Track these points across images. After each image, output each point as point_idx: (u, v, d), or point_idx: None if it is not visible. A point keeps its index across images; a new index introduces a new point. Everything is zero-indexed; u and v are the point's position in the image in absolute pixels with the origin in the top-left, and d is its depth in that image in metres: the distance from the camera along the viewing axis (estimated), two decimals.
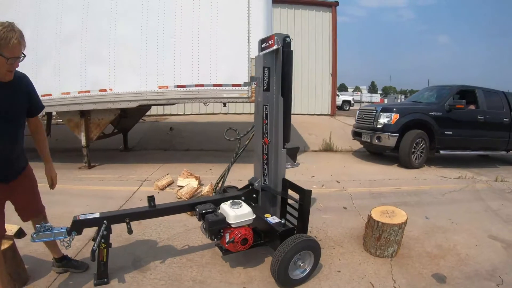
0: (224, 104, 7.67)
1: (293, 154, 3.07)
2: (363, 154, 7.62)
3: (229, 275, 2.71)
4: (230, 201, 2.67)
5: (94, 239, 2.58)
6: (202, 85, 5.49)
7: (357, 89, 64.75)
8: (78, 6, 5.72)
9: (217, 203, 2.73)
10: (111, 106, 5.84)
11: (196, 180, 4.89)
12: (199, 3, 5.42)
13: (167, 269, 2.83)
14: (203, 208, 2.60)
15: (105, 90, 5.76)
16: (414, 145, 6.29)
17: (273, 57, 2.74)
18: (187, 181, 4.91)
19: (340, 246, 3.16)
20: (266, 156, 2.92)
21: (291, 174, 5.75)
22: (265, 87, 2.76)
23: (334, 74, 12.00)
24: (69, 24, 5.79)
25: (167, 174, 5.51)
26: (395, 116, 6.39)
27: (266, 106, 2.81)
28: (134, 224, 3.54)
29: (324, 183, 5.18)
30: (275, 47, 2.66)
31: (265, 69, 2.73)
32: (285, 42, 2.72)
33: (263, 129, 2.85)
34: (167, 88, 5.58)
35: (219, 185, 3.53)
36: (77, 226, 2.55)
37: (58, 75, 5.85)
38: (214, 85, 5.51)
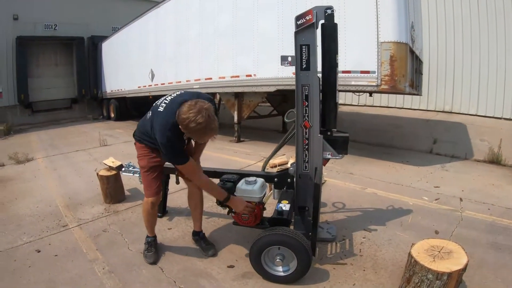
0: (370, 94, 7.11)
1: (341, 143, 2.68)
2: None
3: (237, 246, 2.87)
4: (252, 177, 2.69)
5: None
6: None
7: None
8: (228, 7, 6.88)
9: (244, 177, 2.81)
10: (254, 89, 6.66)
11: None
12: None
13: (204, 223, 3.18)
14: (225, 177, 2.77)
15: (250, 76, 6.66)
16: None
17: (312, 32, 2.48)
18: None
19: (374, 272, 2.53)
20: (307, 141, 2.68)
21: (410, 178, 4.95)
22: (303, 66, 2.54)
23: None
24: (223, 21, 7.04)
25: (283, 154, 5.77)
26: None
27: (306, 87, 2.59)
28: None
29: (441, 197, 4.11)
30: (313, 21, 2.42)
31: (303, 47, 2.50)
32: (326, 15, 2.42)
33: (303, 111, 2.64)
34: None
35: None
36: None
37: (216, 62, 7.24)
38: (343, 72, 5.25)
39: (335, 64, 2.56)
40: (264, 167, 3.12)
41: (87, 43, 13.75)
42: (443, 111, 10.65)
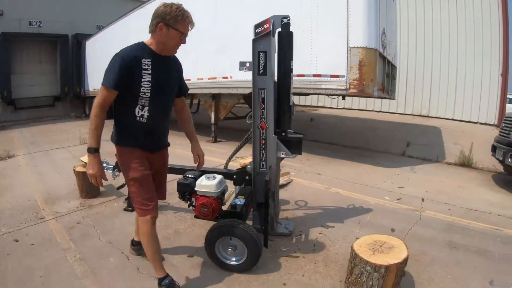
0: (343, 98, 7.36)
1: (295, 144, 2.87)
2: (509, 178, 5.68)
3: (199, 239, 3.01)
4: (212, 174, 2.87)
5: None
6: (303, 75, 5.54)
7: None
8: (209, 10, 7.06)
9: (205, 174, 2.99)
10: (230, 91, 6.84)
11: None
12: None
13: (171, 217, 3.51)
14: (188, 173, 2.94)
15: (226, 78, 6.84)
16: None
17: (269, 40, 2.68)
18: None
19: (325, 265, 2.71)
20: (263, 141, 2.89)
21: (376, 179, 5.21)
22: (261, 71, 2.74)
23: (504, 75, 9.02)
24: (203, 24, 7.16)
25: None
26: None
27: (263, 91, 2.79)
28: None
29: (403, 198, 4.33)
30: (270, 30, 2.62)
31: (261, 53, 2.70)
32: (283, 23, 2.63)
33: (260, 113, 2.84)
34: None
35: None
36: (117, 165, 3.52)
37: (196, 64, 7.36)
38: (314, 76, 5.48)
39: (289, 70, 2.76)
40: (226, 165, 3.30)
41: (71, 41, 13.74)
42: (420, 115, 11.02)
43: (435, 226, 3.52)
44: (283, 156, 2.83)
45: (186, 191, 2.77)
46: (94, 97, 9.58)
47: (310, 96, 11.40)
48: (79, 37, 13.48)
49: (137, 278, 2.50)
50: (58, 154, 6.86)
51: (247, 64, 2.76)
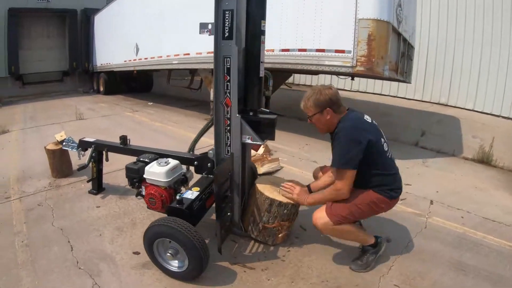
0: (352, 78, 6.68)
1: (266, 126, 2.34)
2: None
3: None
4: (165, 159, 2.43)
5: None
6: (304, 50, 4.98)
7: None
8: None
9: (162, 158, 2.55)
10: None
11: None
12: None
13: (133, 204, 3.21)
14: (141, 157, 2.52)
15: None
16: None
17: None
18: None
19: (290, 282, 2.19)
20: (228, 122, 2.35)
21: None
22: (225, 35, 2.22)
23: None
24: None
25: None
26: None
27: (228, 59, 2.26)
28: None
29: (408, 198, 3.70)
30: None
31: (226, 12, 2.17)
32: None
33: (224, 87, 2.32)
34: (272, 51, 5.40)
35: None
36: (80, 144, 3.32)
37: (193, 36, 6.80)
38: (317, 50, 4.89)
39: (260, 32, 2.23)
40: (190, 149, 2.83)
41: (80, 16, 13.43)
42: (438, 103, 10.15)
43: (443, 238, 2.88)
44: (249, 141, 2.30)
45: (135, 177, 2.35)
46: (102, 72, 9.32)
47: (318, 76, 10.68)
48: (88, 12, 13.13)
49: (74, 274, 2.24)
50: (51, 130, 6.62)
51: (209, 26, 2.24)
